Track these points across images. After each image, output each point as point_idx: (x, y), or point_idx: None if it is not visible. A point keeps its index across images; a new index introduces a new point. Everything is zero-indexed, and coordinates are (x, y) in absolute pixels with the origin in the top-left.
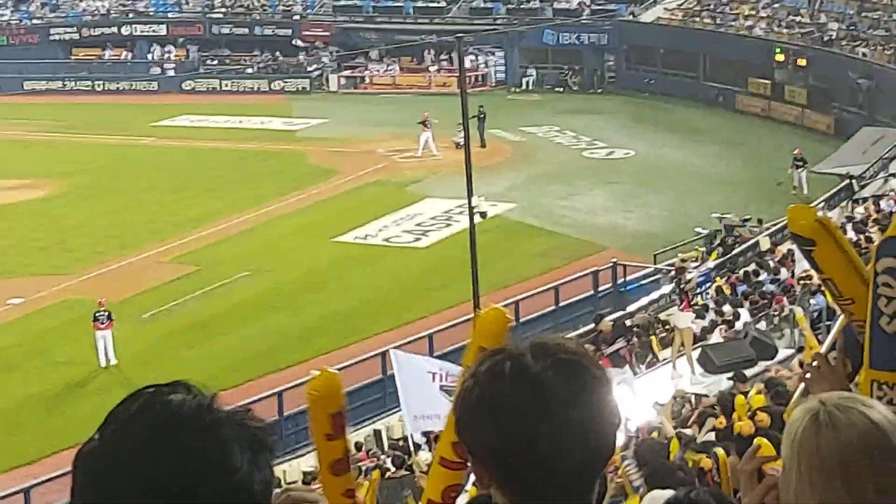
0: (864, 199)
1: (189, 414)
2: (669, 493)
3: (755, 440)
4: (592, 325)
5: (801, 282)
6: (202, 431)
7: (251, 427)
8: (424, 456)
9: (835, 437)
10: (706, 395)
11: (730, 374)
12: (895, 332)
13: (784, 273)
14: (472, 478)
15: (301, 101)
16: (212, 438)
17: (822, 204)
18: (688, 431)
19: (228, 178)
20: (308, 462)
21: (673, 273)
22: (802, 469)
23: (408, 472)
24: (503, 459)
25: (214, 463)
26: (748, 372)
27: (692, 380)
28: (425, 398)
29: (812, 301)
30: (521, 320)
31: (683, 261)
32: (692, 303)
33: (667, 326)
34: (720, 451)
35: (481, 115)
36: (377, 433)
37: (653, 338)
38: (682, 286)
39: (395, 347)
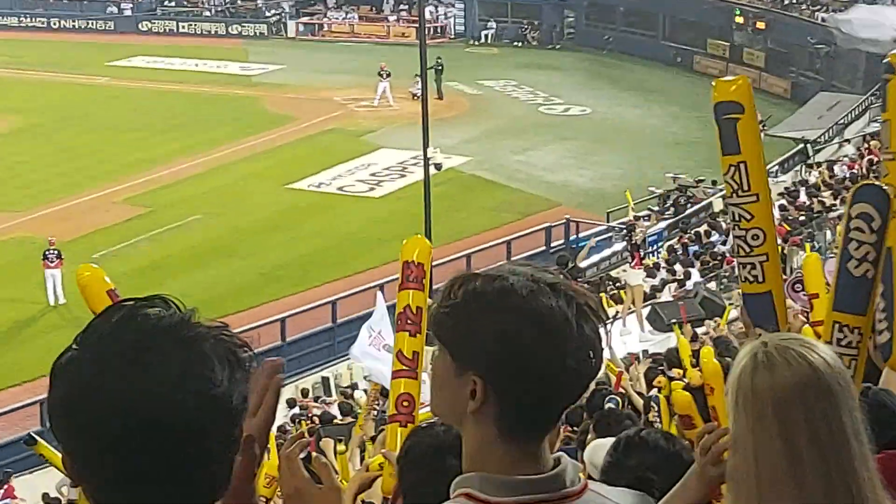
0: (819, 164)
1: (170, 326)
2: (611, 440)
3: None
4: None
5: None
6: (184, 344)
7: (229, 343)
8: (360, 395)
9: (769, 378)
10: (658, 353)
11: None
12: (862, 276)
13: None
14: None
15: (258, 47)
16: (194, 351)
17: (776, 167)
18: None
19: (183, 122)
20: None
21: (624, 230)
22: (739, 409)
23: (354, 420)
24: (506, 373)
25: (196, 375)
26: (698, 330)
27: (641, 337)
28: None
29: None
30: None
31: (636, 218)
32: (643, 260)
33: (617, 284)
34: (664, 397)
35: (439, 67)
36: (325, 380)
37: (602, 295)
38: (633, 242)
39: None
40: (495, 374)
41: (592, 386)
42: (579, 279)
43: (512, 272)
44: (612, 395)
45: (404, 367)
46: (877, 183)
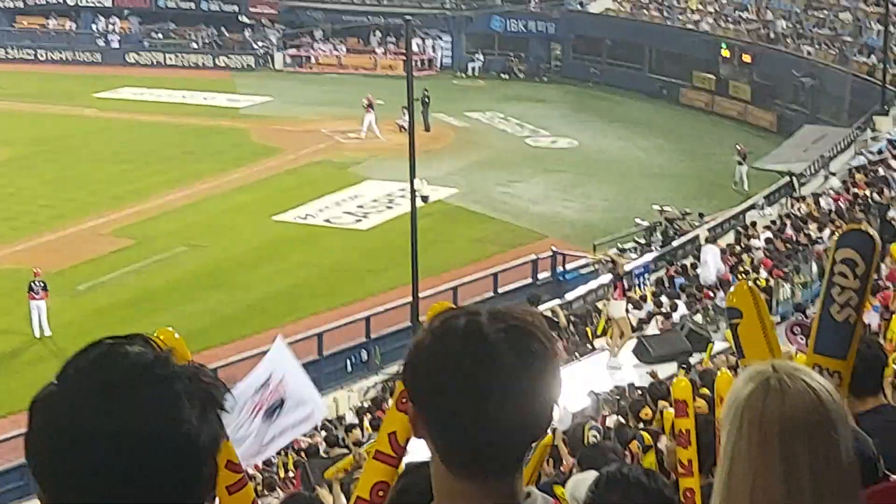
0: (804, 197)
1: (145, 365)
2: (594, 473)
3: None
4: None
5: (740, 277)
6: (156, 382)
7: (204, 383)
8: (358, 433)
9: (780, 405)
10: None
11: (668, 363)
12: (844, 321)
13: (722, 266)
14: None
15: (246, 79)
16: (165, 391)
17: (762, 200)
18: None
19: (170, 154)
20: None
21: (609, 263)
22: (742, 433)
23: (345, 450)
24: (441, 411)
25: (164, 415)
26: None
27: (622, 367)
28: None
29: None
30: (458, 305)
31: (621, 252)
32: (627, 292)
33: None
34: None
35: (426, 99)
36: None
37: (588, 329)
38: (616, 273)
39: (282, 338)
40: (426, 411)
41: (572, 420)
42: (567, 312)
43: (473, 312)
44: (595, 425)
45: (391, 455)
46: (863, 228)
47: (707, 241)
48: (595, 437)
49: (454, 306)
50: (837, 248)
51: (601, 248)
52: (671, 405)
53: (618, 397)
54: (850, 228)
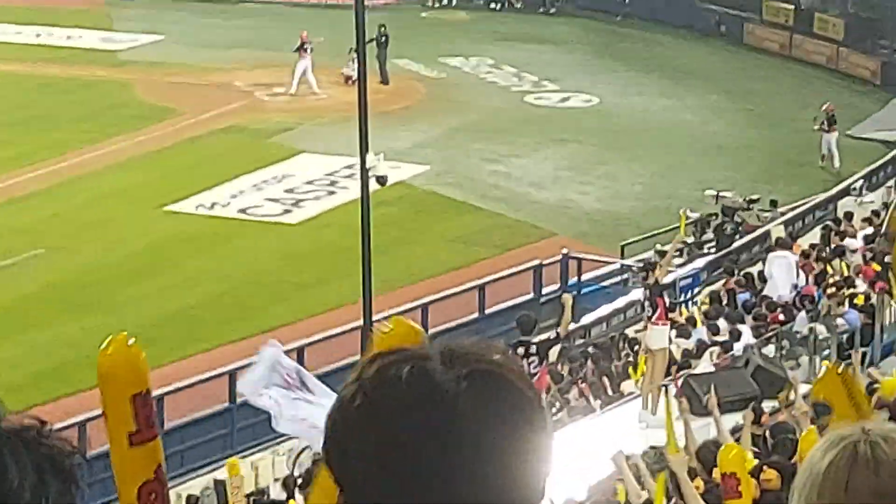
0: None
1: None
2: None
3: None
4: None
5: (829, 290)
6: None
7: (44, 448)
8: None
9: (873, 477)
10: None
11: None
12: None
13: (802, 277)
14: None
15: (126, 8)
16: None
17: (861, 182)
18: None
19: (17, 118)
20: None
21: (643, 271)
22: None
23: None
24: (382, 499)
25: None
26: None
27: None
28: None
29: (840, 320)
30: (429, 332)
31: (661, 254)
32: (670, 313)
33: (636, 347)
34: None
35: (382, 39)
36: (219, 485)
37: (613, 365)
38: (655, 289)
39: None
40: (358, 500)
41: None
42: (566, 349)
43: (420, 355)
44: None
45: None
46: None
47: (778, 243)
48: None
49: (400, 347)
50: None
51: (632, 250)
52: None
53: (655, 463)
54: None
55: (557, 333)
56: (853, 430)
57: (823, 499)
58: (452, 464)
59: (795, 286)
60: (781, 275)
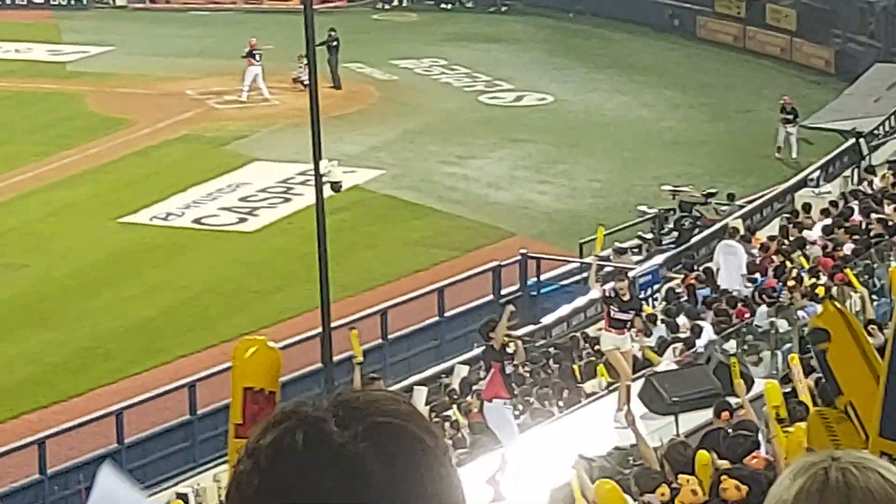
0: (876, 168)
1: None
2: None
3: None
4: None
5: (789, 283)
6: None
7: None
8: None
9: (846, 501)
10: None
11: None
12: None
13: (744, 268)
14: None
15: (74, 20)
16: None
17: (819, 173)
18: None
19: None
20: None
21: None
22: None
23: None
24: None
25: None
26: (702, 415)
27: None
28: None
29: (801, 313)
30: (389, 338)
31: (620, 252)
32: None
33: (596, 347)
34: None
35: (333, 43)
36: (181, 498)
37: (575, 367)
38: (609, 292)
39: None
40: None
41: None
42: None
43: (309, 417)
44: None
45: None
46: None
47: (731, 234)
48: None
49: (290, 410)
50: None
51: (591, 248)
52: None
53: (619, 467)
54: None
55: (492, 346)
56: (822, 457)
57: None
58: None
59: (751, 278)
60: (730, 261)
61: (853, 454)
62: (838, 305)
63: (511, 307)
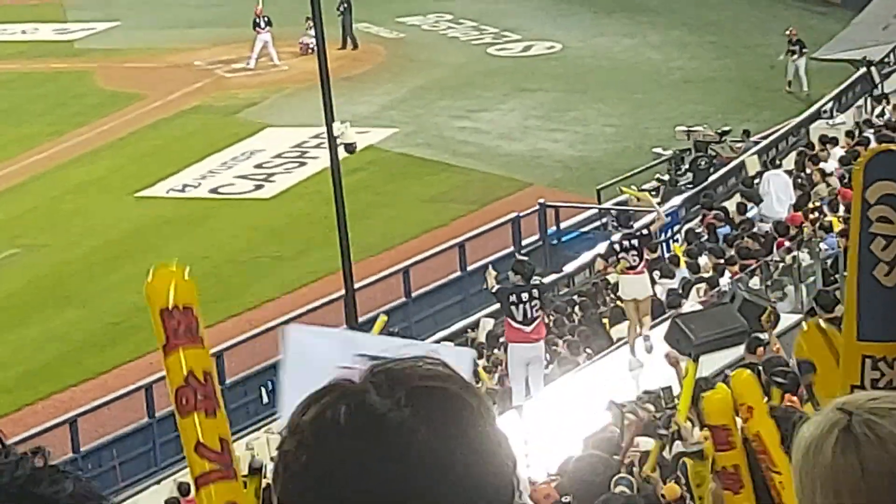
0: (885, 96)
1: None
2: None
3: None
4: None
5: (810, 216)
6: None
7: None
8: None
9: (882, 452)
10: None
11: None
12: (895, 287)
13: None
14: None
15: None
16: None
17: (830, 104)
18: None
19: None
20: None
21: (615, 217)
22: (809, 495)
23: None
24: None
25: None
26: (734, 353)
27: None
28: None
29: (823, 245)
30: (413, 295)
31: (639, 199)
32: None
33: (619, 293)
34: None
35: (346, 4)
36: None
37: (601, 312)
38: (632, 234)
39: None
40: None
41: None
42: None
43: (351, 390)
44: (623, 477)
45: (215, 467)
46: (893, 149)
47: (768, 165)
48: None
49: (331, 385)
50: (867, 185)
51: (609, 193)
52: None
53: (651, 409)
54: (875, 152)
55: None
56: (834, 413)
57: (817, 481)
58: (416, 488)
59: (793, 205)
60: (779, 192)
61: (865, 399)
62: (820, 323)
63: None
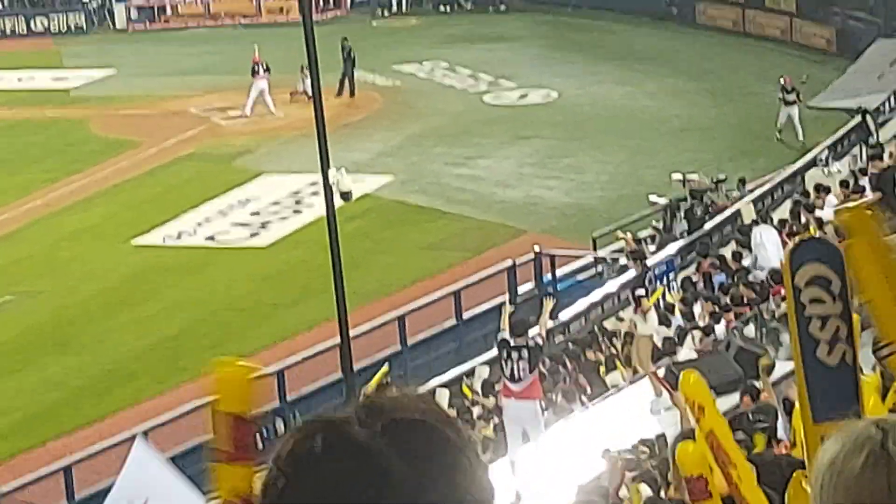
0: (883, 144)
1: None
2: None
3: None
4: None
5: None
6: None
7: None
8: None
9: (884, 479)
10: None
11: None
12: (840, 363)
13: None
14: None
15: (75, 45)
16: None
17: (826, 152)
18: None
19: None
20: None
21: (629, 253)
22: None
23: None
24: None
25: None
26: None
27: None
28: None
29: None
30: (409, 343)
31: (637, 241)
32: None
33: (613, 340)
34: None
35: (347, 52)
36: None
37: (599, 358)
38: (643, 271)
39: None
40: None
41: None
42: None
43: (331, 419)
44: None
45: None
46: (817, 236)
47: (760, 219)
48: None
49: (316, 417)
50: (795, 271)
51: (605, 241)
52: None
53: (646, 456)
54: (801, 240)
55: (538, 341)
56: (866, 428)
57: (839, 497)
58: None
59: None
60: (771, 245)
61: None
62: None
63: (551, 299)
